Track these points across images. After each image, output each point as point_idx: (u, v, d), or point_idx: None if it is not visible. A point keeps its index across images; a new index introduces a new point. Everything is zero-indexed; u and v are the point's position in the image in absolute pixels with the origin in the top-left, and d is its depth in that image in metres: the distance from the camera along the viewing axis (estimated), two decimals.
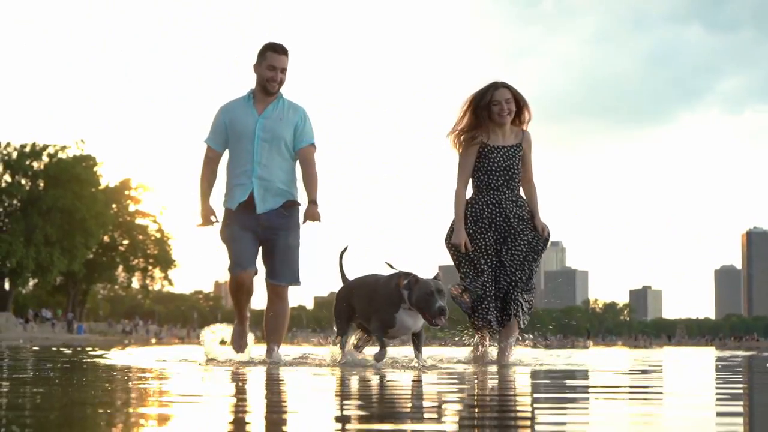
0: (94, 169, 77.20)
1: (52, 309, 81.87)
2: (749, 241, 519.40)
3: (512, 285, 8.31)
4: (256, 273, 8.14)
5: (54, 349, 13.42)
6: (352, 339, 8.02)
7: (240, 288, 8.14)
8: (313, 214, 7.93)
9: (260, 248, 8.15)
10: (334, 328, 7.96)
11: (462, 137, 8.45)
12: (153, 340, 51.77)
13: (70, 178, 72.63)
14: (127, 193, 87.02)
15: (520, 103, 8.44)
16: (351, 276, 7.95)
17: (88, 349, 13.57)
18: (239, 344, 8.32)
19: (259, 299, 8.51)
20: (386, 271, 7.54)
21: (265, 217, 7.99)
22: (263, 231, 8.03)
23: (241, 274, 8.03)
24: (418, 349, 7.44)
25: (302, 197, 8.11)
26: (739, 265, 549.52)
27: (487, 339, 8.46)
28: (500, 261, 8.35)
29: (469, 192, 8.56)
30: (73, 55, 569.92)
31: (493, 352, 8.40)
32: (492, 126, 8.41)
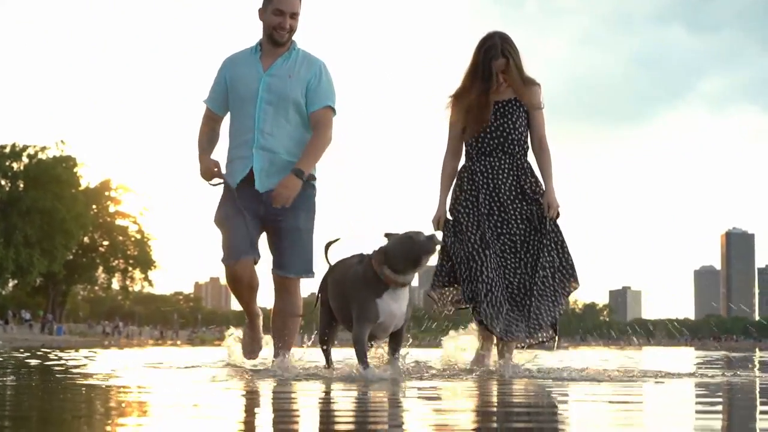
0: (75, 170, 76.85)
1: (32, 310, 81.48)
2: (728, 241, 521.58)
3: (519, 287, 6.92)
4: (256, 261, 6.76)
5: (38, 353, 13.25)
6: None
7: (237, 282, 6.78)
8: (287, 187, 6.44)
9: (264, 233, 6.83)
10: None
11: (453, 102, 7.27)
12: (141, 340, 51.51)
13: (50, 179, 72.30)
14: (107, 194, 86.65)
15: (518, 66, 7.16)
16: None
17: (66, 355, 13.35)
18: (250, 349, 7.14)
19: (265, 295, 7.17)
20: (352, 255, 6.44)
21: (268, 197, 6.55)
22: (267, 213, 6.64)
23: (235, 265, 6.66)
24: (395, 350, 6.22)
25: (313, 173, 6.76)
26: (718, 266, 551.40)
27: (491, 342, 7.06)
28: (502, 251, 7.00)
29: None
30: (52, 55, 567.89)
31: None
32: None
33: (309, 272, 6.75)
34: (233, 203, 6.65)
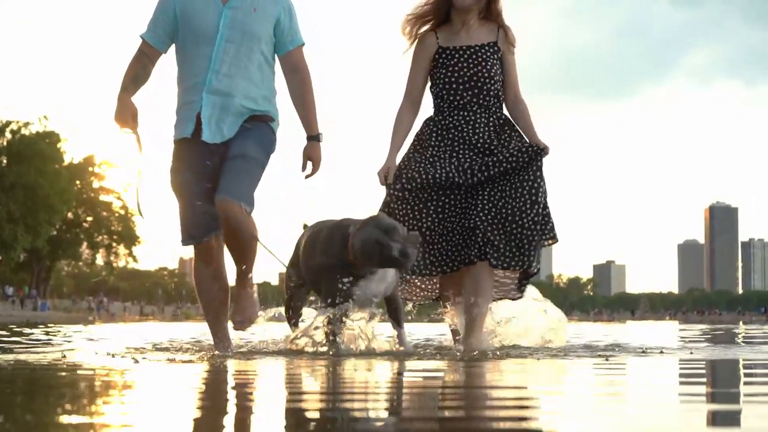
0: (58, 146, 76.44)
1: (16, 286, 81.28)
2: (712, 215, 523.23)
3: (497, 217, 5.96)
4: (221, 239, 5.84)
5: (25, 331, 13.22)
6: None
7: (201, 266, 5.90)
8: (313, 155, 5.86)
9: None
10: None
11: (410, 21, 6.30)
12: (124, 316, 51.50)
13: (33, 154, 71.91)
14: (90, 169, 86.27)
15: None
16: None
17: (51, 330, 13.32)
18: (222, 346, 5.95)
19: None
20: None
21: (219, 149, 5.73)
22: (220, 164, 5.75)
23: (195, 246, 5.83)
24: (398, 323, 5.70)
25: (288, 125, 6.02)
26: (702, 240, 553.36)
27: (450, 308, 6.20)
28: (473, 199, 6.01)
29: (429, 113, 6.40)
30: (36, 29, 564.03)
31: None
32: (454, 18, 6.26)
33: (247, 201, 5.63)
34: (190, 170, 5.77)
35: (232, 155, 5.64)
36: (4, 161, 73.34)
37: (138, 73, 5.81)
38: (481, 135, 6.12)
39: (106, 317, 52.00)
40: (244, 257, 5.79)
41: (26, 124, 75.37)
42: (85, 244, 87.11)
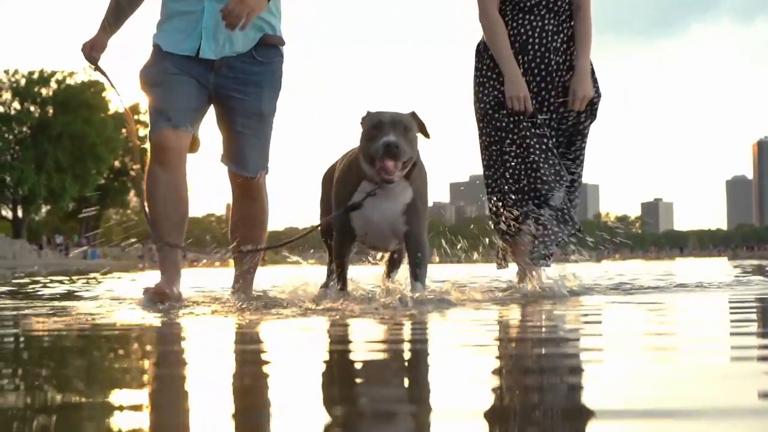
0: (103, 95, 76.75)
1: (67, 235, 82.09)
2: (760, 150, 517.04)
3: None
4: (196, 143, 5.05)
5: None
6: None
7: (162, 157, 4.86)
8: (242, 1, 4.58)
9: (211, 109, 5.10)
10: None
11: None
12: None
13: (79, 103, 72.29)
14: (136, 117, 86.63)
15: None
16: None
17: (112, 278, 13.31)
18: (167, 285, 4.84)
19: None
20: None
21: (222, 66, 4.94)
22: (217, 84, 4.96)
23: (165, 131, 4.86)
24: (415, 278, 4.63)
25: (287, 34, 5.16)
26: (750, 175, 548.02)
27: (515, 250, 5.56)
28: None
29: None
30: None
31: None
32: None
33: (265, 167, 5.16)
34: (173, 64, 4.95)
35: (247, 111, 4.98)
36: (51, 111, 73.77)
37: (121, 4, 5.22)
38: (551, 43, 5.42)
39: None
40: (254, 229, 5.17)
41: (71, 74, 75.68)
42: (132, 192, 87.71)
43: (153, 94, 4.96)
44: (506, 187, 5.48)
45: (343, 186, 4.76)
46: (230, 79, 4.95)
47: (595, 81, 5.57)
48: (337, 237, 4.83)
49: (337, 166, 5.00)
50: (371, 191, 4.60)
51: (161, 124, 4.86)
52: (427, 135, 4.69)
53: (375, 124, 4.47)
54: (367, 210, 4.66)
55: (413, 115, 4.60)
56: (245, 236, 5.12)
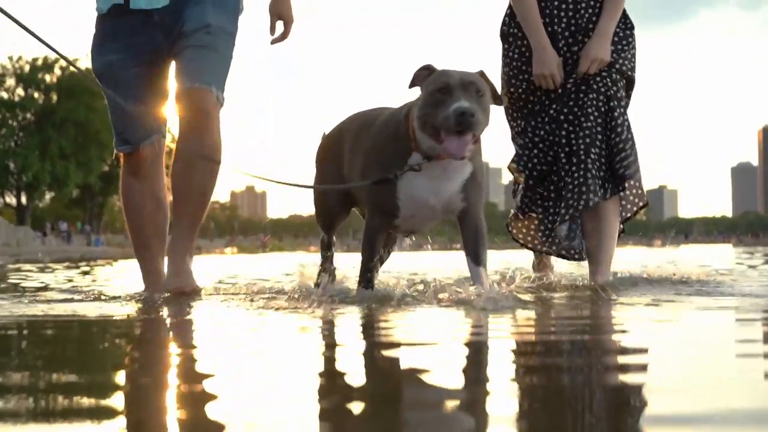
0: None
1: (70, 222, 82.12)
2: (766, 137, 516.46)
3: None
4: (163, 138, 4.75)
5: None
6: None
7: (132, 170, 4.64)
8: (283, 11, 4.49)
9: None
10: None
11: None
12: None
13: (83, 90, 72.20)
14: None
15: None
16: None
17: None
18: (152, 285, 4.60)
19: None
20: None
21: (163, 18, 4.38)
22: (165, 40, 4.41)
23: (128, 151, 4.64)
24: (475, 262, 3.91)
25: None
26: (755, 162, 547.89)
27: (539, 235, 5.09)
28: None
29: None
30: None
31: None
32: None
33: (221, 89, 4.36)
34: (118, 50, 4.49)
35: (192, 28, 4.32)
36: (54, 98, 73.73)
37: None
38: (582, 14, 4.93)
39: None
40: (188, 194, 4.43)
41: (75, 60, 75.64)
42: None
43: (108, 108, 4.65)
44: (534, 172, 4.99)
45: (388, 156, 3.94)
46: (175, 31, 4.38)
47: (626, 52, 5.12)
48: (373, 219, 4.01)
49: (374, 131, 4.12)
50: (416, 165, 3.85)
51: (121, 147, 4.63)
52: (498, 101, 3.90)
53: (441, 87, 3.67)
54: (417, 186, 3.90)
55: (483, 75, 3.84)
56: (187, 174, 4.41)
